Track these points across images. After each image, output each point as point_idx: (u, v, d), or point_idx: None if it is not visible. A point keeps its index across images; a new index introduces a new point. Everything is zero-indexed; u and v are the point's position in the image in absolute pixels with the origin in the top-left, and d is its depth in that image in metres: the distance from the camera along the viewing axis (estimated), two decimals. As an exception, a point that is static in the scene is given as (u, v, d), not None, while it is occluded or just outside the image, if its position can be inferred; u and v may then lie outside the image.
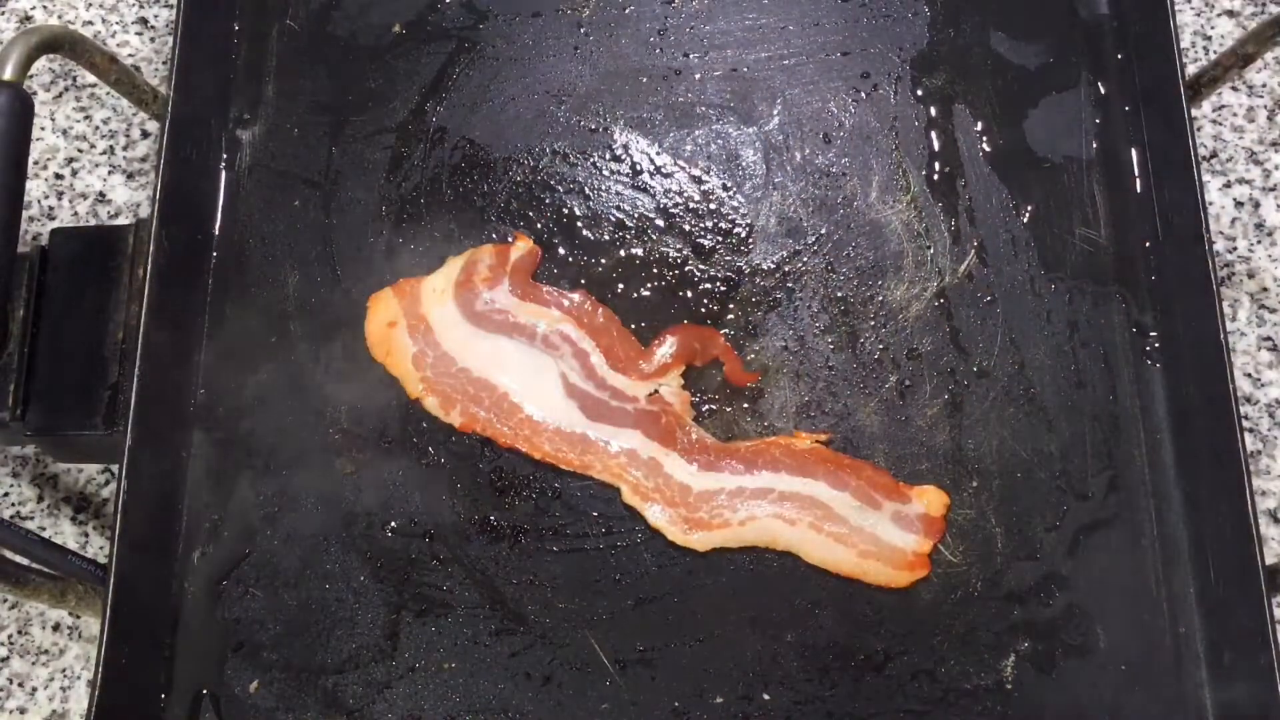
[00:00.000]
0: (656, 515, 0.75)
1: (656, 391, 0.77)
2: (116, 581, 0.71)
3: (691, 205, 0.83)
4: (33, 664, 0.80)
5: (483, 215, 0.83)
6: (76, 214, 0.90)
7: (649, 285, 0.81)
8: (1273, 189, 0.87)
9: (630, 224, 0.82)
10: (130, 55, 0.94)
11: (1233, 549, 0.70)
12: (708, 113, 0.85)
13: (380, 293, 0.81)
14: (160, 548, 0.76)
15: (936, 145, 0.83)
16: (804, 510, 0.74)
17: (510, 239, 0.82)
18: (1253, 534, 0.69)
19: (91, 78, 0.82)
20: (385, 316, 0.80)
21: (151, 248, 0.76)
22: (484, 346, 0.79)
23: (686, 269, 0.81)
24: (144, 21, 0.95)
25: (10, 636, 0.80)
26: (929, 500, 0.74)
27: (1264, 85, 0.89)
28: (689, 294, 0.81)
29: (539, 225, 0.83)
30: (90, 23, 0.95)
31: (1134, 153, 0.82)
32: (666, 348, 0.78)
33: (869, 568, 0.73)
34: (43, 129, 0.92)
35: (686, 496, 0.75)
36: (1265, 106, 0.89)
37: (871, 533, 0.74)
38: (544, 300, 0.79)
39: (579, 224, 0.83)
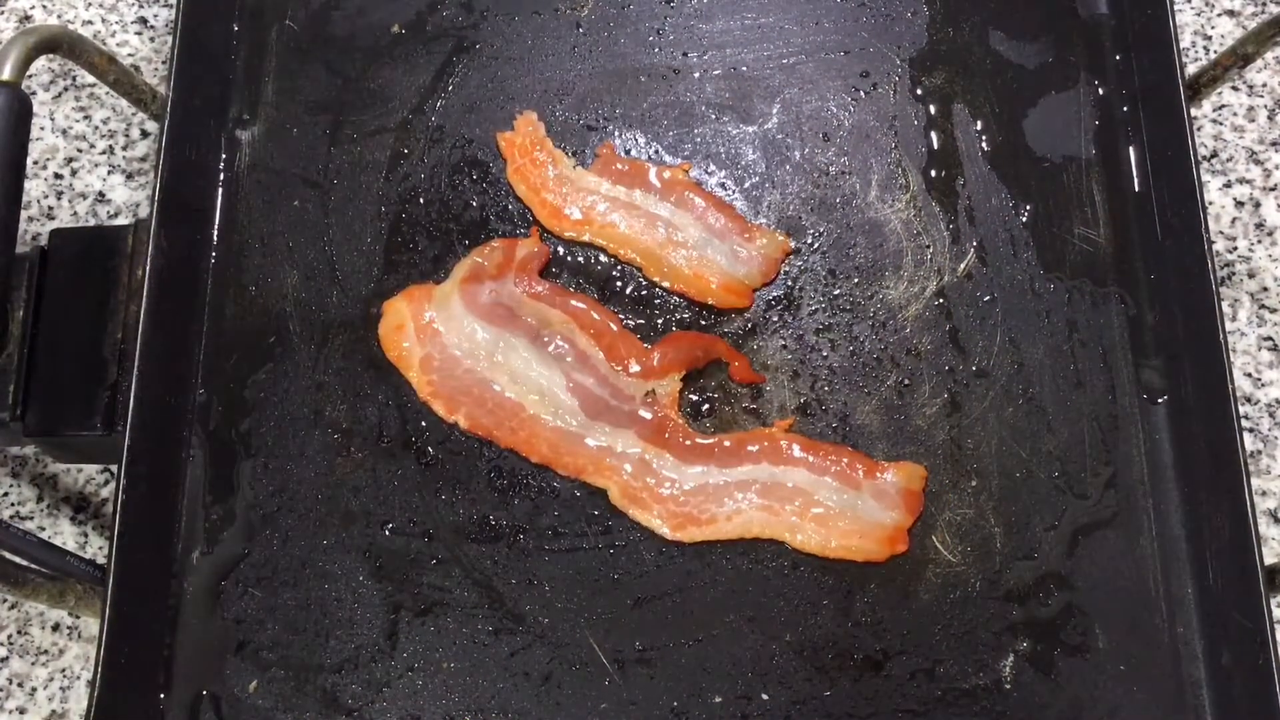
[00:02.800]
0: (644, 513, 0.75)
1: (652, 391, 0.77)
2: (116, 582, 0.71)
3: (691, 205, 0.83)
4: (32, 664, 0.80)
5: (482, 215, 0.83)
6: (76, 214, 0.90)
7: (649, 285, 0.81)
8: (1273, 189, 0.87)
9: (629, 224, 0.82)
10: (129, 55, 0.94)
11: (1232, 549, 0.70)
12: (707, 112, 0.85)
13: (392, 300, 0.80)
14: (160, 548, 0.76)
15: (936, 144, 0.83)
16: (787, 498, 0.75)
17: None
18: (1252, 534, 0.69)
19: (91, 77, 0.82)
20: (395, 321, 0.80)
21: (151, 248, 0.77)
22: (488, 347, 0.78)
23: (686, 269, 0.81)
24: (143, 21, 0.95)
25: (10, 636, 0.80)
26: (906, 474, 0.75)
27: (1264, 85, 0.89)
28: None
29: (539, 224, 0.83)
30: (90, 22, 0.95)
31: (1133, 152, 0.82)
32: (668, 351, 0.78)
33: (853, 545, 0.74)
34: (42, 129, 0.92)
35: (674, 493, 0.75)
36: (1265, 106, 0.89)
37: (854, 513, 0.74)
38: (548, 298, 0.79)
39: (578, 224, 0.82)
